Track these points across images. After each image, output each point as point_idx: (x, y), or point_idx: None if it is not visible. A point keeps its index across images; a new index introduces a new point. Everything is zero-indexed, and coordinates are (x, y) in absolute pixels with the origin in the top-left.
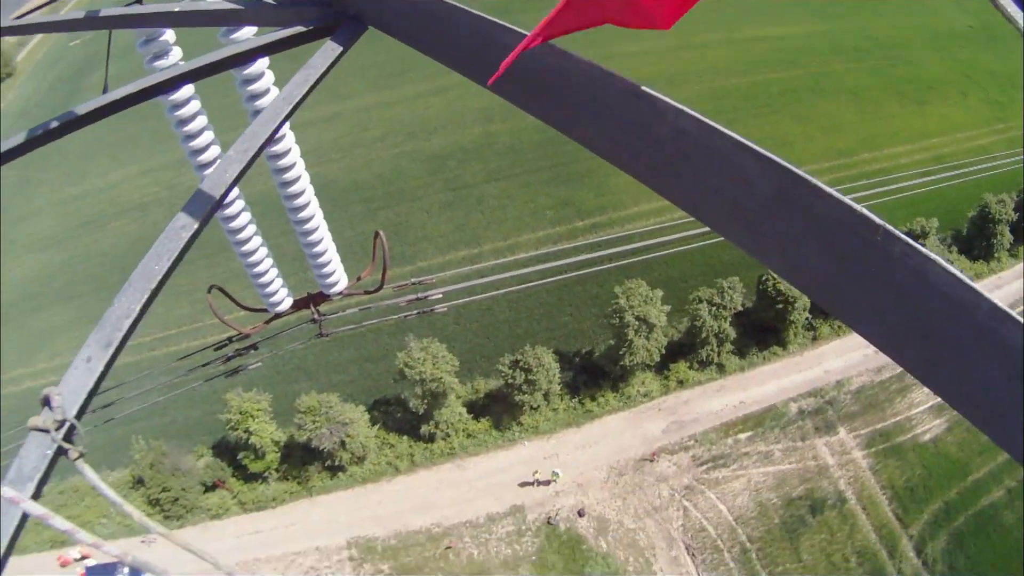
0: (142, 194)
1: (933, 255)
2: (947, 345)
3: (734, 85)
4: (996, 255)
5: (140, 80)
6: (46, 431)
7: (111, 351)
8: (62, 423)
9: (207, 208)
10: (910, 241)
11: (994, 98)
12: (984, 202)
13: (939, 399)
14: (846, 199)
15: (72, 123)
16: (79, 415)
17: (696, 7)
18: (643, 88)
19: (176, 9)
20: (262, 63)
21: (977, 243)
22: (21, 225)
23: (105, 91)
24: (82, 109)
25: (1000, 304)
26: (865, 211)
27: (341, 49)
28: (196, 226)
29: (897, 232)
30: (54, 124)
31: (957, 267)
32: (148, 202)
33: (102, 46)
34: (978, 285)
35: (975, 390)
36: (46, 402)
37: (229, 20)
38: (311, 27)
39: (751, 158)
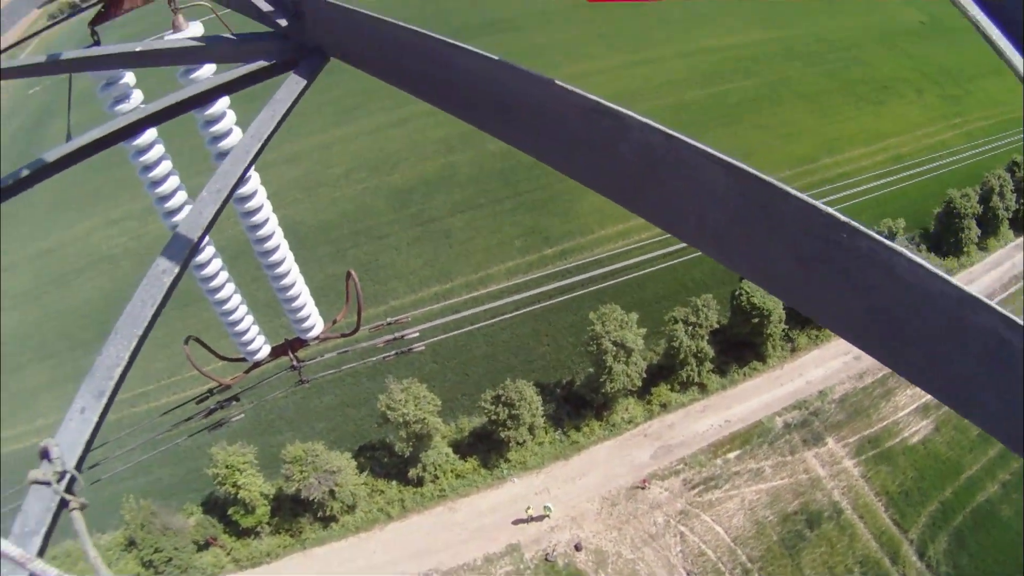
0: (110, 245)
1: (899, 248)
2: (920, 334)
3: (692, 98)
4: (965, 249)
5: (102, 126)
6: (47, 483)
7: (104, 400)
8: (62, 475)
9: (186, 251)
10: (876, 236)
11: (949, 93)
12: (949, 197)
13: (923, 400)
14: (812, 200)
15: (39, 172)
16: (78, 466)
17: (648, 19)
18: (606, 103)
19: (137, 49)
20: (223, 102)
21: (945, 239)
22: None
23: (68, 139)
24: (49, 157)
25: (967, 289)
26: (831, 210)
27: (305, 83)
28: (177, 270)
29: (863, 228)
30: (24, 173)
31: (923, 257)
32: (117, 254)
33: (62, 94)
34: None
35: (951, 375)
36: (44, 454)
37: (189, 58)
38: (272, 61)
39: (719, 167)
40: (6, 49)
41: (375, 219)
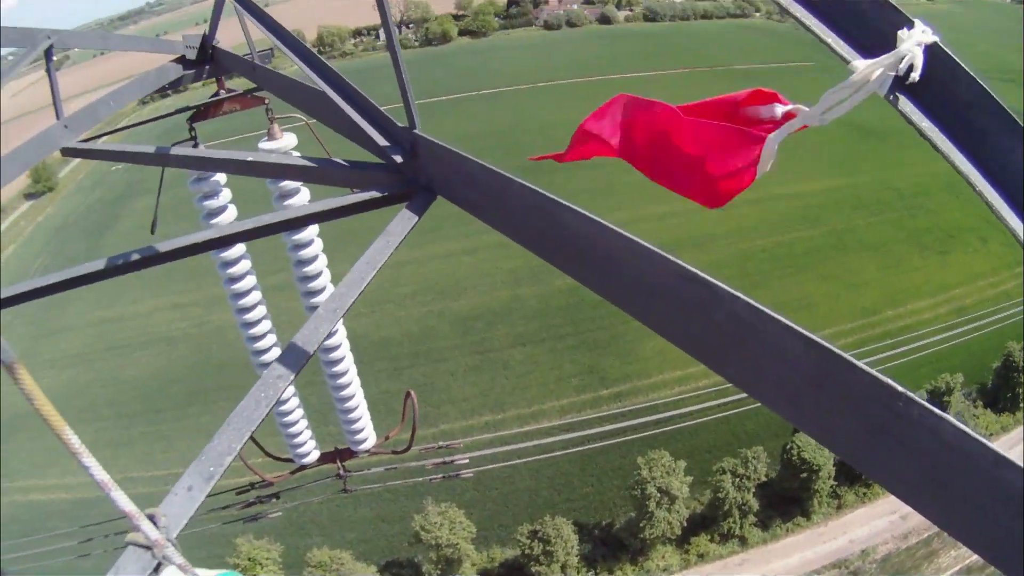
0: (170, 328)
1: (946, 415)
2: (960, 493)
3: (759, 246)
4: (1022, 406)
5: (191, 235)
6: (148, 548)
7: (211, 483)
8: (163, 543)
9: (300, 361)
10: (926, 404)
11: (1012, 240)
12: (1008, 351)
13: (968, 560)
14: (874, 372)
15: (119, 268)
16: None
17: None
18: (702, 275)
19: (249, 159)
20: (313, 228)
21: (1002, 395)
22: (50, 340)
23: (153, 229)
24: (132, 256)
25: (1001, 451)
26: (890, 381)
27: (417, 218)
28: (292, 376)
29: (916, 397)
30: (101, 266)
31: (966, 423)
32: (176, 336)
33: (144, 173)
34: (1004, 437)
35: (987, 531)
36: (151, 520)
37: (297, 175)
38: (385, 193)
39: (797, 339)
40: (110, 133)
41: (436, 342)
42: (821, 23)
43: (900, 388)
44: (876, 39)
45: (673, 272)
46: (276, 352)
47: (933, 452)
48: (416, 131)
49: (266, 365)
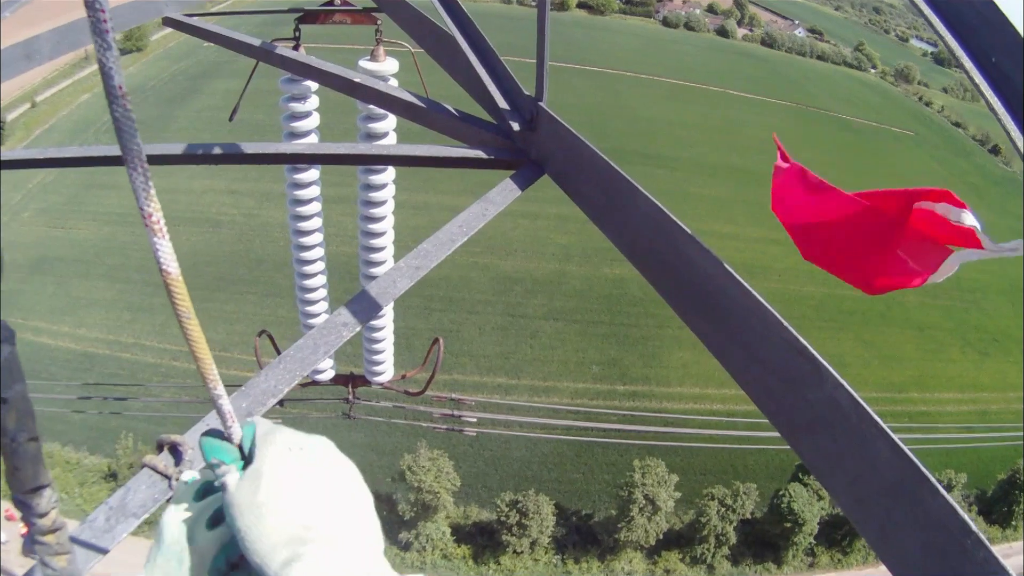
0: (220, 211)
1: (1007, 567)
2: None
3: (808, 292)
4: (1014, 523)
5: (273, 144)
6: (167, 477)
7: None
8: (180, 476)
9: (370, 311)
10: (992, 551)
11: None
12: (1016, 468)
13: None
14: (953, 501)
15: (205, 157)
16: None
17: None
18: (811, 350)
19: (356, 79)
20: (392, 171)
21: (998, 507)
22: (98, 192)
23: (232, 116)
24: (198, 150)
25: None
26: (965, 516)
27: (519, 191)
28: (357, 327)
29: (985, 540)
30: (194, 151)
31: None
32: (223, 221)
33: (229, 56)
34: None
35: None
36: (174, 451)
37: (406, 112)
38: (492, 157)
39: (886, 445)
40: (205, 15)
41: (472, 293)
42: None
43: (973, 526)
44: None
45: (783, 339)
46: (323, 292)
47: None
48: (541, 103)
49: (311, 302)
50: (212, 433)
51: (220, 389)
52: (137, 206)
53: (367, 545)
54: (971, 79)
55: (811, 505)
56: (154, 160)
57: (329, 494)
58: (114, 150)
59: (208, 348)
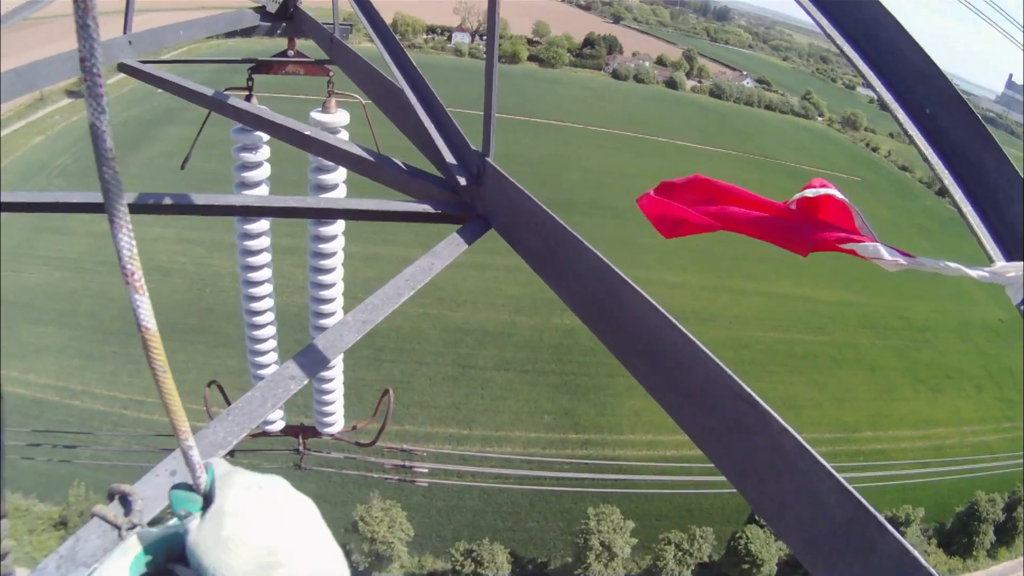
0: (170, 259)
1: None
2: None
3: (759, 337)
4: (974, 553)
5: (223, 195)
6: (117, 527)
7: None
8: (133, 527)
9: (318, 364)
10: None
11: (1008, 396)
12: (975, 499)
13: None
14: (906, 542)
15: (152, 207)
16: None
17: (742, 250)
18: (756, 397)
19: (306, 132)
20: (342, 222)
21: (958, 539)
22: (48, 237)
23: (184, 165)
24: (168, 200)
25: None
26: (917, 554)
27: (466, 245)
28: (305, 379)
29: (936, 574)
30: (146, 201)
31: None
32: (173, 269)
33: (183, 103)
34: None
35: None
36: (124, 501)
37: (355, 165)
38: (439, 211)
39: (833, 487)
40: (158, 62)
41: (422, 344)
42: (977, 215)
43: (924, 562)
44: None
45: (727, 386)
46: (273, 343)
47: None
48: (488, 158)
49: (260, 353)
50: (180, 486)
51: (191, 441)
52: (119, 264)
53: (334, 572)
54: (904, 130)
55: (768, 546)
56: (99, 208)
57: (292, 525)
58: (79, 196)
59: (181, 402)
